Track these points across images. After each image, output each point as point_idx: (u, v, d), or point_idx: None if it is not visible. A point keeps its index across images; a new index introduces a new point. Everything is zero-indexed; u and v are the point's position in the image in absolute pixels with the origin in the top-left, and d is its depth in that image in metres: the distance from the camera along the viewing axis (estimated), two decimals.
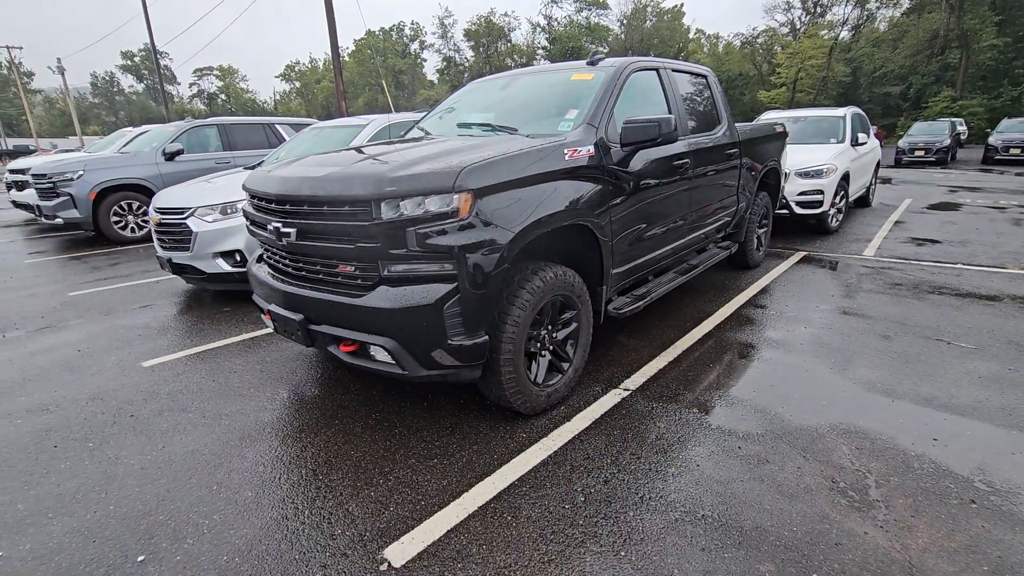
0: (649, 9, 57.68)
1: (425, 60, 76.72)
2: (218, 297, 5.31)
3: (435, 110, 4.34)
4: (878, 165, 9.62)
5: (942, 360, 3.44)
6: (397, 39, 73.91)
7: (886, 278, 5.28)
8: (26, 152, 33.22)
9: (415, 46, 74.84)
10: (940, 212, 9.03)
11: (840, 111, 8.27)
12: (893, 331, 3.93)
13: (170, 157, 8.62)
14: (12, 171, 10.73)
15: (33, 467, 2.57)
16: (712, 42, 60.16)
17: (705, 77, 4.63)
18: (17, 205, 10.64)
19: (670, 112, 3.86)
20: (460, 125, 3.70)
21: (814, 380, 3.22)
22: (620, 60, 3.65)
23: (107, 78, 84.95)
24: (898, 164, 19.41)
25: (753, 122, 6.79)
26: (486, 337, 2.48)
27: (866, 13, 42.88)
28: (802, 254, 6.34)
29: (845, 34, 43.24)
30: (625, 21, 58.25)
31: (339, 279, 2.57)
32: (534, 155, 2.69)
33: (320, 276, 2.65)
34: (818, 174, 6.88)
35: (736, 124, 4.94)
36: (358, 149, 3.29)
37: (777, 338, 3.88)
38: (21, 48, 51.89)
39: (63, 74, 43.64)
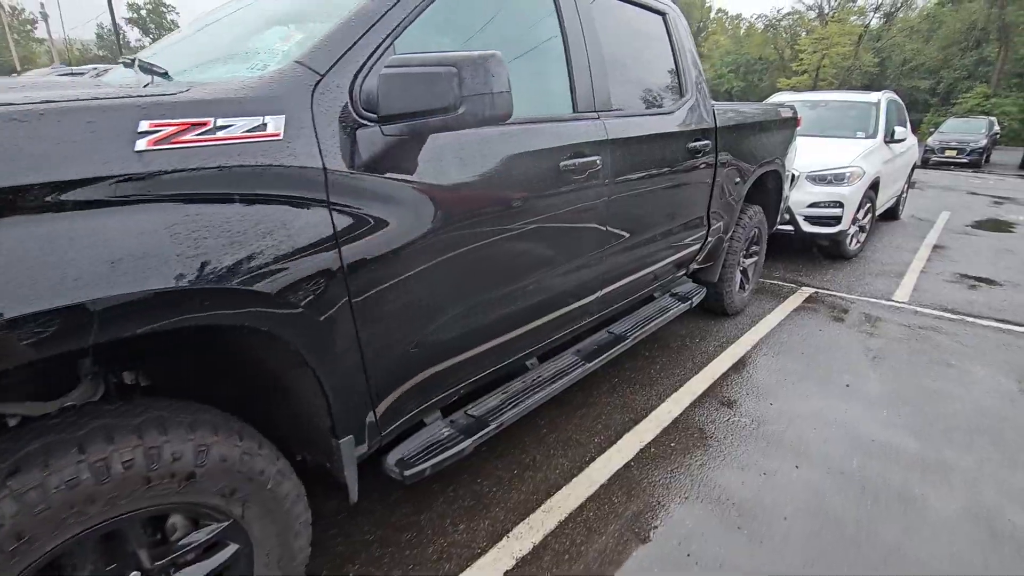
0: None
1: None
2: None
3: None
4: (913, 168, 7.70)
5: None
6: None
7: (932, 347, 3.49)
8: None
9: None
10: (989, 233, 7.12)
11: (873, 96, 6.31)
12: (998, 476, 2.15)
13: None
14: None
15: None
16: (734, 23, 56.83)
17: (663, 15, 2.76)
18: None
19: (569, 63, 2.03)
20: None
21: None
22: None
23: (112, 31, 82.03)
24: (925, 164, 17.29)
25: (758, 103, 4.96)
26: None
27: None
28: (808, 292, 4.53)
29: (876, 21, 40.27)
30: None
31: None
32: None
33: None
34: (838, 179, 5.02)
35: (718, 104, 3.11)
36: None
37: (746, 499, 2.11)
38: None
39: (46, 20, 41.67)
